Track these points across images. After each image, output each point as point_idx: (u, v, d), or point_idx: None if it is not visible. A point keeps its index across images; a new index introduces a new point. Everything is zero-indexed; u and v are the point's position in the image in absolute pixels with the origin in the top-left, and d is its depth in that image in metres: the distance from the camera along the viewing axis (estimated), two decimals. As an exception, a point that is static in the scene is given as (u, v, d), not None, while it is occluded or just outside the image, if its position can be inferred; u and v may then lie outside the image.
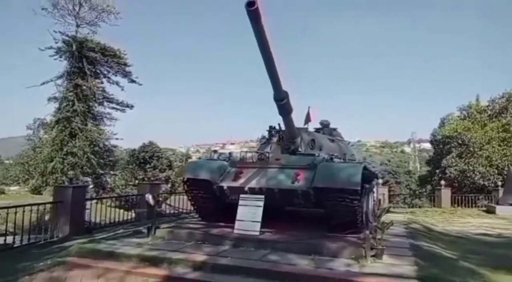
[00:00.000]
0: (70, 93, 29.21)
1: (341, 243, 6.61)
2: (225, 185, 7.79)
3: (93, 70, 30.83)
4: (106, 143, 32.04)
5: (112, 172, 33.78)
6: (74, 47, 28.25)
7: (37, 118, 31.60)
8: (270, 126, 9.91)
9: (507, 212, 16.10)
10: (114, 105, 31.97)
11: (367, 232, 6.19)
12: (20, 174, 32.68)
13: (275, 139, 9.48)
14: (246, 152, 8.50)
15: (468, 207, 20.21)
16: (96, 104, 31.46)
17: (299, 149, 8.82)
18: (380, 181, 22.01)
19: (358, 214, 7.10)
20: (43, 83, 29.75)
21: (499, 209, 16.79)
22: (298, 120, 10.12)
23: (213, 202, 8.25)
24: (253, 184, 7.63)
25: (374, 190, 12.85)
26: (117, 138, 32.49)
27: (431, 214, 16.31)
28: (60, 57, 29.76)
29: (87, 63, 29.89)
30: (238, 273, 5.52)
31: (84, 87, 29.67)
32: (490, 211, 17.40)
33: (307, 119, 11.14)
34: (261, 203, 7.41)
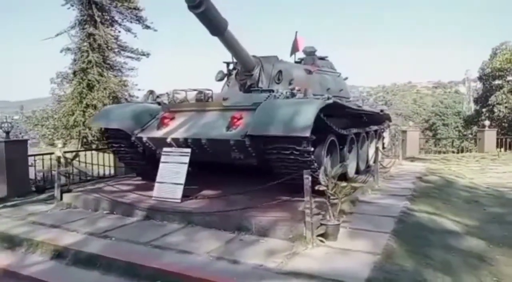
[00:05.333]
0: (84, 44, 27.93)
1: (282, 214, 4.56)
2: (144, 135, 5.85)
3: (105, 17, 29.11)
4: (130, 94, 31.04)
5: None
6: (81, -8, 26.36)
7: (59, 72, 30.97)
8: None
9: None
10: (128, 53, 30.50)
11: (307, 198, 4.01)
12: (46, 129, 32.90)
13: (234, 74, 7.27)
14: (186, 90, 6.38)
15: (519, 151, 16.95)
16: (112, 54, 30.09)
17: (260, 84, 6.59)
18: (411, 123, 19.19)
19: (316, 172, 4.91)
20: (58, 34, 28.59)
21: (556, 153, 13.60)
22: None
23: (142, 158, 6.40)
24: (178, 133, 5.62)
25: (385, 135, 10.42)
26: (139, 89, 31.30)
27: (466, 161, 13.53)
28: (72, 5, 28.22)
29: (96, 10, 28.15)
30: (99, 267, 3.73)
31: (97, 36, 28.14)
32: (545, 156, 14.24)
33: (294, 49, 8.79)
34: (186, 159, 5.44)
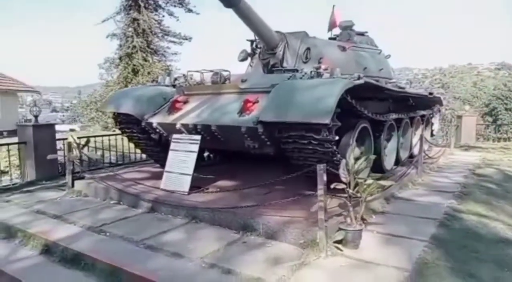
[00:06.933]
0: (129, 29, 28.34)
1: (297, 213, 3.92)
2: (154, 121, 5.40)
3: (148, 1, 29.30)
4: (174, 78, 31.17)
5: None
6: (125, -23, 26.55)
7: (107, 57, 31.81)
8: None
9: None
10: (171, 38, 30.61)
11: (320, 193, 3.33)
12: (94, 113, 34.07)
13: (258, 53, 6.60)
14: (201, 71, 5.82)
15: None
16: (156, 39, 30.31)
17: (284, 64, 5.88)
18: (467, 107, 17.42)
19: (338, 163, 4.19)
20: (104, 20, 29.26)
21: None
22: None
23: (156, 145, 6.00)
24: (188, 119, 5.10)
25: (435, 121, 9.29)
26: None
27: (531, 151, 11.88)
28: (117, -10, 28.60)
29: (140, -6, 28.35)
30: (83, 268, 3.35)
31: (141, 21, 28.42)
32: None
33: (331, 24, 7.99)
34: (196, 147, 4.92)
